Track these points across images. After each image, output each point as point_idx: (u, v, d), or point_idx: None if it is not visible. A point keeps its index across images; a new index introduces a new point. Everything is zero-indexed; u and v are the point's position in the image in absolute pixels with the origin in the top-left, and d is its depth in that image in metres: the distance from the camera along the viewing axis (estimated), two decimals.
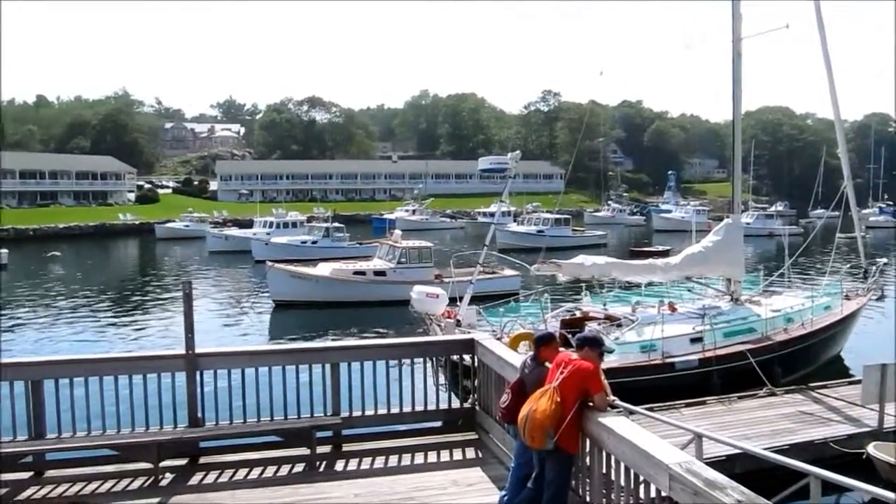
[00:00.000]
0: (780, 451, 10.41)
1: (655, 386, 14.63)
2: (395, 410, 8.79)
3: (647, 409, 10.18)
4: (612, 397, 6.09)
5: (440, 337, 15.15)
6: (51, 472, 7.77)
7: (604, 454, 5.73)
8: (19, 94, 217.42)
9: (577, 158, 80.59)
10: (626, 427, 5.48)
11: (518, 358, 7.51)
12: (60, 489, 7.41)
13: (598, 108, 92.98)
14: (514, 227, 61.93)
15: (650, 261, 19.67)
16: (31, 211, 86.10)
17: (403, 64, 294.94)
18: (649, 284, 19.69)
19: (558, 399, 5.78)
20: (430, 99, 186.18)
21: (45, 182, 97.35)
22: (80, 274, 46.83)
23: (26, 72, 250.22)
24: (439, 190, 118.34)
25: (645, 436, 5.27)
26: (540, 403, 5.82)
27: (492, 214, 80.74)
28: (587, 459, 6.05)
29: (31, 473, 7.73)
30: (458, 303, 18.61)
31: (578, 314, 18.23)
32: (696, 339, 16.31)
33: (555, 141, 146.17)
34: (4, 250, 47.62)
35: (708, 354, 15.81)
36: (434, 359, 10.37)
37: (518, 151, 19.61)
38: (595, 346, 6.20)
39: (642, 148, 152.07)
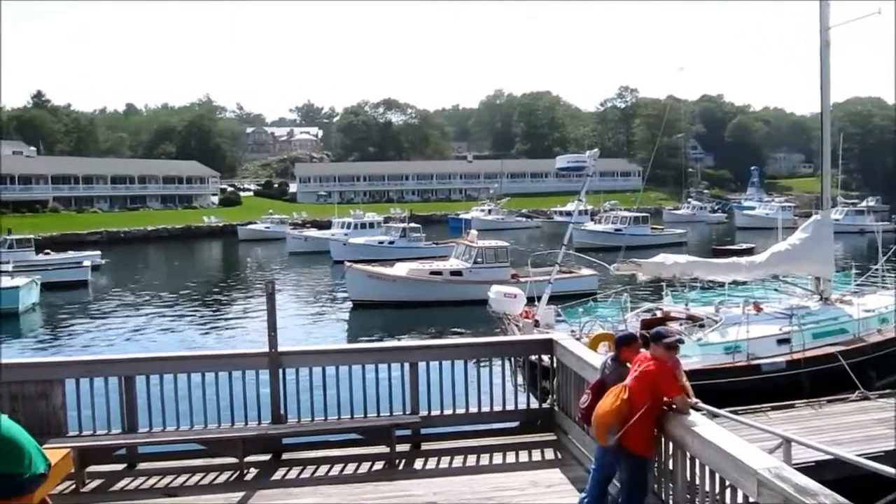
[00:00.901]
0: (874, 458, 9.94)
1: (740, 388, 14.18)
2: (473, 410, 8.78)
3: (731, 412, 9.87)
4: (694, 399, 5.94)
5: (518, 337, 15.07)
6: (142, 465, 8.06)
7: (688, 458, 5.58)
8: (110, 104, 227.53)
9: (656, 155, 78.94)
10: (712, 430, 5.33)
11: (598, 358, 7.40)
12: (152, 481, 7.67)
13: (677, 103, 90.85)
14: (591, 225, 61.14)
15: (734, 259, 19.15)
16: (122, 214, 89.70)
17: (478, 64, 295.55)
18: (733, 284, 19.13)
19: (625, 397, 5.77)
20: (504, 98, 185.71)
21: (134, 187, 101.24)
22: (167, 275, 48.59)
23: (117, 82, 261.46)
24: (515, 189, 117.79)
25: (731, 439, 5.11)
26: (607, 400, 5.87)
27: (568, 213, 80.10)
28: (670, 463, 5.92)
29: (124, 465, 8.04)
30: (536, 303, 18.49)
31: (659, 314, 17.85)
32: (783, 341, 15.76)
33: (632, 138, 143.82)
34: (98, 252, 49.80)
35: (796, 356, 15.25)
36: (512, 359, 10.31)
37: (596, 149, 19.35)
38: (656, 339, 6.08)
39: (724, 143, 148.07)
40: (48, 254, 46.56)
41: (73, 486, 7.43)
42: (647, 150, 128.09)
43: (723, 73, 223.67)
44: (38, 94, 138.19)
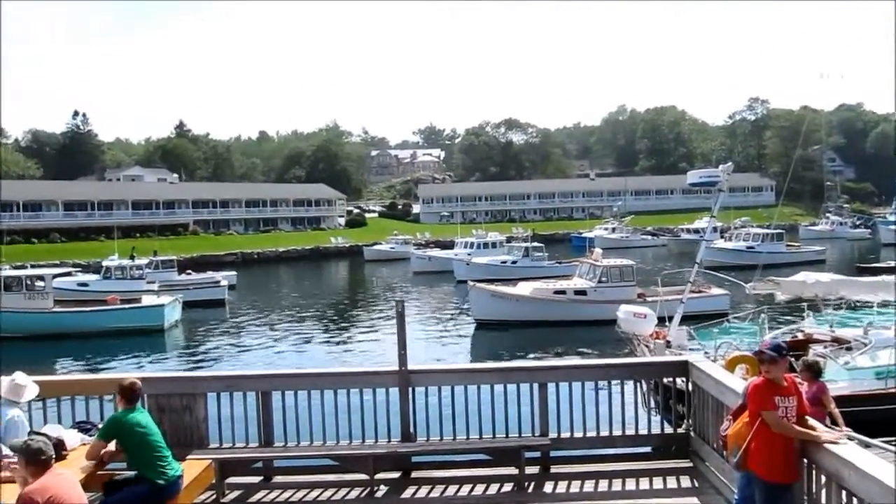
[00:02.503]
0: None
1: (894, 418, 13.13)
2: (604, 433, 8.53)
3: (885, 442, 9.14)
4: (844, 428, 5.55)
5: (651, 358, 14.57)
6: (278, 478, 8.30)
7: (843, 493, 5.15)
8: (245, 131, 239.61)
9: (790, 168, 75.22)
10: (871, 463, 4.90)
11: (738, 382, 7.02)
12: (286, 495, 7.87)
13: (812, 113, 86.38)
14: (721, 243, 58.77)
15: (883, 277, 17.82)
16: (255, 236, 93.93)
17: (600, 81, 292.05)
18: (883, 304, 17.80)
19: (747, 420, 5.73)
20: (627, 114, 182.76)
21: (266, 210, 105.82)
22: (298, 294, 50.39)
23: (251, 111, 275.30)
24: (639, 207, 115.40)
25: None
26: (736, 423, 5.88)
27: (696, 231, 77.60)
28: (822, 497, 5.49)
29: (260, 478, 8.30)
30: (667, 323, 17.87)
31: (801, 336, 16.82)
32: None
33: (763, 151, 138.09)
34: (234, 272, 52.31)
35: None
36: (644, 381, 9.96)
37: (730, 164, 18.52)
38: (756, 356, 5.87)
39: (865, 154, 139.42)
40: (189, 274, 49.30)
41: (214, 497, 7.72)
42: (780, 164, 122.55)
43: (862, 80, 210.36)
44: (181, 125, 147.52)
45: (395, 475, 8.19)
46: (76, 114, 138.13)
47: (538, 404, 8.38)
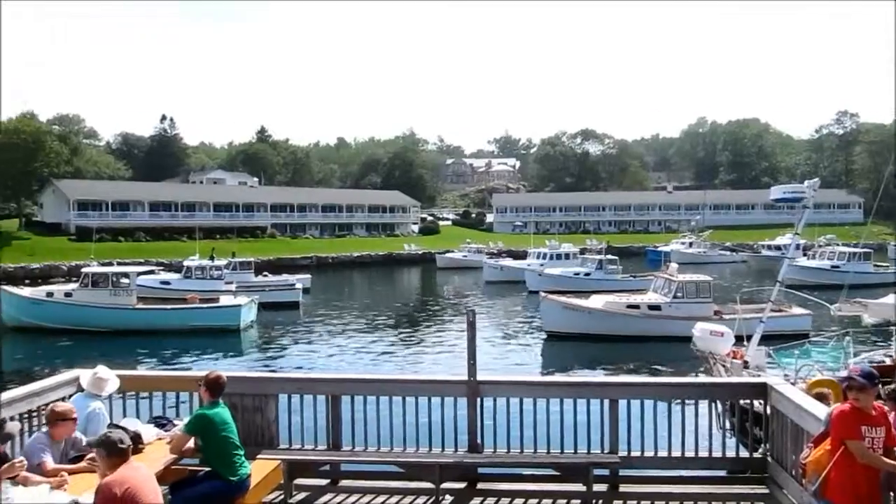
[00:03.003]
0: None
1: None
2: (676, 453, 8.28)
3: None
4: None
5: (727, 379, 14.13)
6: (344, 482, 8.34)
7: None
8: (323, 137, 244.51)
9: (881, 185, 72.10)
10: None
11: (821, 408, 6.73)
12: (352, 499, 7.91)
13: None
14: (804, 261, 56.76)
15: None
16: (331, 241, 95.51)
17: (679, 92, 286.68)
18: None
19: (828, 447, 5.47)
20: (707, 126, 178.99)
21: (342, 215, 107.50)
22: (370, 299, 50.96)
23: (330, 117, 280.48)
24: (718, 221, 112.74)
25: None
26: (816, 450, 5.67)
27: (777, 247, 75.15)
28: None
29: (327, 481, 8.36)
30: (745, 342, 17.32)
31: (888, 362, 16.06)
32: None
33: (852, 167, 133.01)
34: (308, 276, 53.25)
35: None
36: (720, 402, 9.65)
37: (816, 179, 17.84)
38: (845, 382, 5.54)
39: None
40: (266, 276, 50.49)
41: (282, 497, 7.81)
42: (869, 181, 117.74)
43: None
44: (262, 130, 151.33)
45: (461, 486, 8.13)
46: (164, 118, 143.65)
47: (608, 421, 8.20)
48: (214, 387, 6.78)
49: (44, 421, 7.05)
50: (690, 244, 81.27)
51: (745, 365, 16.14)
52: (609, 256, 54.58)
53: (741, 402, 9.33)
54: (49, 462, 6.25)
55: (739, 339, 17.70)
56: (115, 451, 5.17)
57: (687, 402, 8.48)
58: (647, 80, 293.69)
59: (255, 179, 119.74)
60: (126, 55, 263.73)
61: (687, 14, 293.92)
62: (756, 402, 8.45)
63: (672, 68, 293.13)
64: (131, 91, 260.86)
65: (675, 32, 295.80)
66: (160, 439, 7.28)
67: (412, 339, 33.07)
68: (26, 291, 35.48)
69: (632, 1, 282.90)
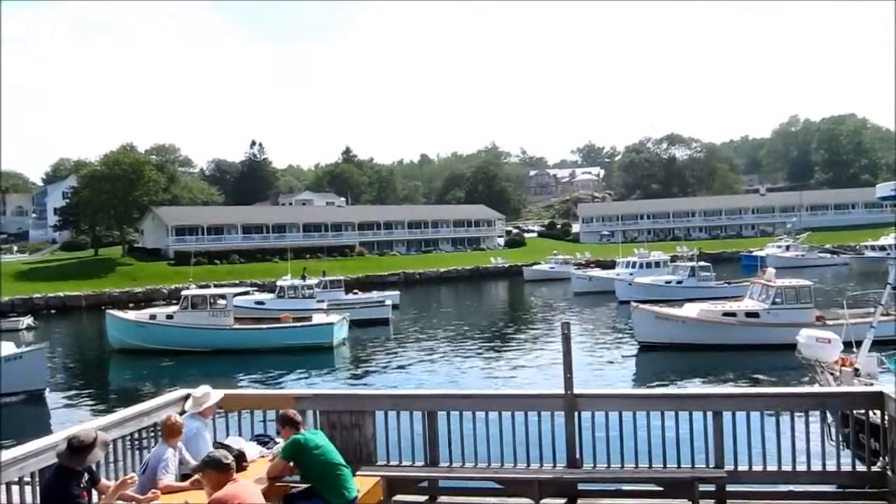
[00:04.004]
0: None
1: None
2: (786, 467, 7.90)
3: None
4: None
5: (839, 388, 13.46)
6: (443, 499, 8.29)
7: None
8: (406, 155, 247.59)
9: None
10: None
11: None
12: None
13: None
14: None
15: None
16: (417, 257, 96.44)
17: (768, 90, 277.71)
18: None
19: None
20: (800, 125, 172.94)
21: (427, 231, 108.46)
22: (459, 313, 51.09)
23: (412, 135, 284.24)
24: (816, 223, 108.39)
25: None
26: None
27: (882, 248, 71.69)
28: None
29: (426, 497, 8.32)
30: (854, 349, 16.48)
31: None
32: None
33: None
34: (397, 292, 53.83)
35: None
36: (831, 412, 9.19)
37: None
38: None
39: None
40: (356, 293, 51.34)
41: None
42: None
43: None
44: (347, 151, 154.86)
45: (561, 501, 7.97)
46: (253, 143, 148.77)
47: (713, 434, 7.91)
48: (290, 421, 6.97)
49: (152, 436, 7.35)
50: (787, 248, 78.44)
51: (856, 373, 15.33)
52: (701, 263, 53.13)
53: (854, 412, 8.85)
54: (166, 480, 6.50)
55: (848, 346, 16.87)
56: (220, 468, 5.36)
57: (796, 413, 8.12)
58: (733, 79, 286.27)
59: (342, 199, 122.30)
60: (216, 84, 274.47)
61: (773, 8, 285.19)
62: (871, 413, 8.02)
63: (760, 67, 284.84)
64: (222, 119, 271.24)
65: (762, 29, 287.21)
66: (262, 457, 7.45)
67: (504, 352, 32.93)
68: (131, 315, 37.13)
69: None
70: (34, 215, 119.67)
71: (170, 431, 6.93)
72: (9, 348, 26.08)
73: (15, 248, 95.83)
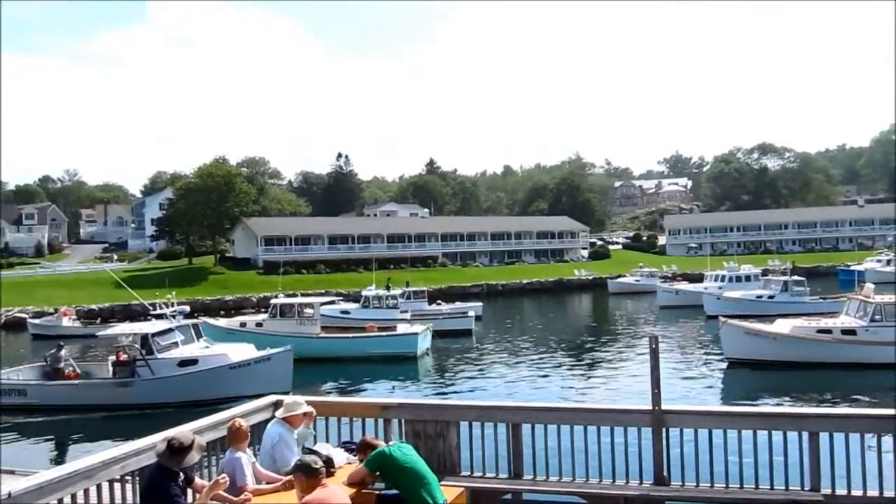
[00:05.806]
0: None
1: None
2: (888, 494, 7.55)
3: None
4: None
5: None
6: None
7: None
8: (490, 166, 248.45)
9: None
10: None
11: None
12: None
13: None
14: None
15: None
16: (500, 268, 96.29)
17: (867, 96, 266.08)
18: None
19: None
20: None
21: (510, 242, 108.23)
22: (542, 326, 50.76)
23: (496, 146, 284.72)
24: None
25: None
26: None
27: None
28: None
29: None
30: None
31: None
32: None
33: None
34: (479, 304, 53.89)
35: None
36: None
37: None
38: None
39: None
40: (439, 304, 51.66)
41: None
42: None
43: None
44: (431, 162, 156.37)
45: None
46: (339, 156, 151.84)
47: (808, 455, 7.64)
48: (369, 447, 7.06)
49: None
50: (888, 262, 74.81)
51: None
52: (795, 277, 51.21)
53: None
54: (250, 484, 6.73)
55: None
56: (310, 473, 5.63)
57: None
58: (829, 85, 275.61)
59: (426, 210, 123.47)
60: (302, 98, 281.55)
61: (872, 8, 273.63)
62: None
63: (857, 71, 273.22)
64: (309, 131, 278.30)
65: (859, 33, 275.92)
66: (349, 463, 7.61)
67: (588, 366, 32.54)
68: (223, 322, 38.39)
69: (805, 1, 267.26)
70: (133, 226, 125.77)
71: (235, 436, 7.17)
72: (251, 350, 26.80)
73: (115, 257, 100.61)
